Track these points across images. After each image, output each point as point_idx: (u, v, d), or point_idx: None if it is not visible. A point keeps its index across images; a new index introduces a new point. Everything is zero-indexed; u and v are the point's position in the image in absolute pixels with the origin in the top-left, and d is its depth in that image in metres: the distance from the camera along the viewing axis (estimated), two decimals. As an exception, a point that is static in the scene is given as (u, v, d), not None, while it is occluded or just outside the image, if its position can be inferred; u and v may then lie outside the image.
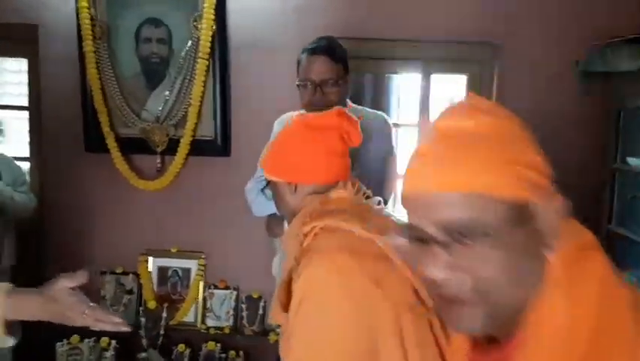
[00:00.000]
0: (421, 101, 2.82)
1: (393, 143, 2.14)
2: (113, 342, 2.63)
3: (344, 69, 1.90)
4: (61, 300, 1.11)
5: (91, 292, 2.86)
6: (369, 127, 1.67)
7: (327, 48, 1.88)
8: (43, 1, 2.79)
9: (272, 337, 2.65)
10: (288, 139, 1.28)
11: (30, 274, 2.64)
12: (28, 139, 3.04)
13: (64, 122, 2.91)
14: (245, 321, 2.88)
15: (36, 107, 2.94)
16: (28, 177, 2.87)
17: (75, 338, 2.65)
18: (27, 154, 3.04)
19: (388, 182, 1.98)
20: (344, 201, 1.19)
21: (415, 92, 2.86)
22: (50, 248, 2.99)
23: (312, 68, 1.87)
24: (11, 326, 1.12)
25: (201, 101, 2.71)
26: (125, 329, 1.14)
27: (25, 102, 3.01)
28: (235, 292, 2.92)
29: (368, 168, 1.76)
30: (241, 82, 2.80)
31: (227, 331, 2.87)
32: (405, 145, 2.78)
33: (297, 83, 1.92)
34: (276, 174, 1.29)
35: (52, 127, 2.94)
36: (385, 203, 1.37)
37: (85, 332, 2.68)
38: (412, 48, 2.69)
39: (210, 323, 2.91)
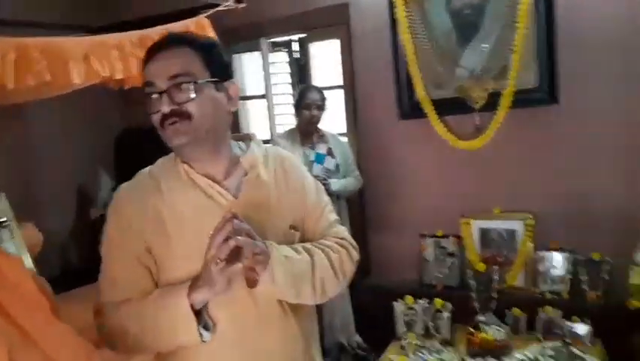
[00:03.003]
0: None
1: None
2: (448, 304, 2.64)
3: None
4: None
5: (412, 255, 3.02)
6: None
7: None
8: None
9: (631, 303, 2.30)
10: None
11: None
12: (344, 115, 3.27)
13: (377, 95, 3.04)
14: (585, 286, 2.60)
15: (350, 85, 3.13)
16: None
17: (409, 298, 2.76)
18: (344, 130, 3.27)
19: None
20: None
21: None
22: (371, 215, 3.19)
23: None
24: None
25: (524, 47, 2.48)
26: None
27: (337, 81, 3.23)
28: (570, 255, 2.65)
29: None
30: (569, 19, 2.49)
31: (565, 296, 2.63)
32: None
33: None
34: None
35: (365, 101, 3.11)
36: None
37: (419, 293, 2.78)
38: None
39: (544, 287, 2.71)
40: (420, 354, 2.50)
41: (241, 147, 1.24)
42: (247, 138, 1.27)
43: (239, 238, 1.01)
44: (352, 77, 3.09)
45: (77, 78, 1.85)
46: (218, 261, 1.01)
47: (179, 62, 1.09)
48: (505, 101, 2.56)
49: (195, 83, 1.08)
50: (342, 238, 1.28)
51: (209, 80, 1.11)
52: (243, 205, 1.14)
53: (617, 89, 2.48)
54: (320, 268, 1.17)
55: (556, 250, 2.69)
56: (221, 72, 1.15)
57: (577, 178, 2.62)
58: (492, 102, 2.61)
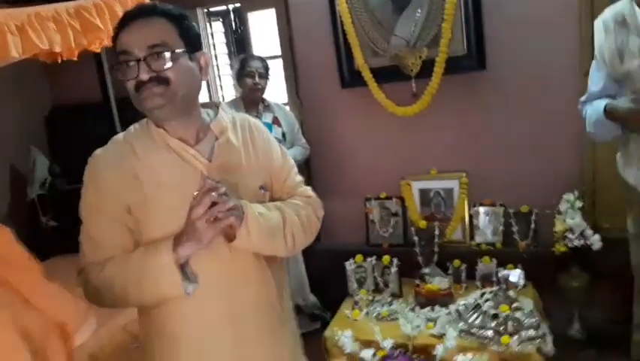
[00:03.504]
0: None
1: None
2: (395, 260, 2.81)
3: None
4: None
5: (358, 217, 3.16)
6: None
7: None
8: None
9: (557, 248, 2.56)
10: None
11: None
12: (284, 85, 3.30)
13: (317, 64, 3.10)
14: (516, 236, 2.84)
15: (289, 54, 3.17)
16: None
17: (359, 257, 2.90)
18: (285, 100, 3.31)
19: None
20: None
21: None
22: (317, 182, 3.28)
23: None
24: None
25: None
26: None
27: (277, 51, 3.25)
28: (502, 209, 2.88)
29: None
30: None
31: (499, 246, 2.87)
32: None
33: None
34: None
35: (306, 71, 3.16)
36: None
37: (367, 252, 2.92)
38: None
39: (479, 239, 2.94)
40: (372, 308, 2.66)
41: (209, 113, 1.29)
42: (214, 106, 1.31)
43: (214, 195, 1.09)
44: (291, 47, 3.12)
45: (15, 51, 1.78)
46: (211, 219, 1.08)
47: (157, 32, 1.13)
48: (439, 68, 2.70)
49: (173, 52, 1.12)
50: (308, 197, 1.38)
51: (184, 50, 1.15)
52: (217, 168, 1.20)
53: (537, 55, 2.69)
54: (290, 223, 1.26)
55: (489, 205, 2.92)
56: (194, 43, 1.19)
57: (504, 138, 2.83)
58: (426, 70, 2.75)
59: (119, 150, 1.21)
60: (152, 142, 1.20)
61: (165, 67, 1.12)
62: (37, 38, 1.88)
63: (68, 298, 0.94)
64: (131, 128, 1.26)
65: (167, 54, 1.12)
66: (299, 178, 1.41)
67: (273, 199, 1.32)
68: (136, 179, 1.17)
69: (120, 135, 1.25)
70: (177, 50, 1.14)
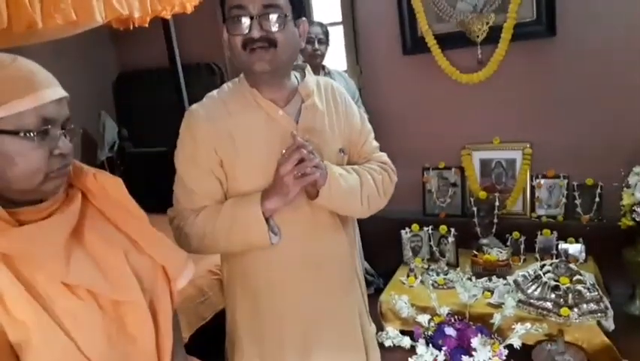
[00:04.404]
0: None
1: None
2: (452, 230, 2.81)
3: None
4: None
5: (415, 186, 3.16)
6: None
7: None
8: None
9: (624, 222, 2.49)
10: None
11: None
12: (343, 52, 3.30)
13: (379, 31, 3.07)
14: (579, 209, 2.78)
15: (350, 20, 3.15)
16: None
17: (415, 226, 2.92)
18: (344, 67, 3.31)
19: None
20: None
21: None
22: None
23: None
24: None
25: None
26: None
27: (337, 18, 3.24)
28: (565, 181, 2.82)
29: None
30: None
31: (560, 219, 2.82)
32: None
33: None
34: None
35: (367, 37, 3.14)
36: None
37: (423, 222, 2.94)
38: None
39: (540, 211, 2.89)
40: (427, 275, 2.69)
41: (296, 76, 1.33)
42: (300, 68, 1.35)
43: (303, 151, 1.15)
44: (352, 13, 3.11)
45: (99, 16, 1.86)
46: (298, 175, 1.15)
47: None
48: (506, 34, 2.63)
49: (284, 16, 1.17)
50: (383, 162, 1.42)
51: (292, 15, 1.19)
52: (302, 130, 1.25)
53: (612, 22, 2.56)
54: (366, 186, 1.31)
55: (552, 177, 2.86)
56: (300, 9, 1.23)
57: (572, 108, 2.75)
58: (493, 36, 2.68)
59: (214, 107, 1.28)
60: (245, 101, 1.26)
61: (274, 29, 1.16)
62: (118, 4, 1.96)
63: (171, 245, 1.02)
64: (225, 86, 1.33)
65: (279, 16, 1.16)
66: (375, 144, 1.45)
67: (350, 163, 1.37)
68: (229, 135, 1.24)
69: (215, 92, 1.32)
70: (287, 14, 1.18)
